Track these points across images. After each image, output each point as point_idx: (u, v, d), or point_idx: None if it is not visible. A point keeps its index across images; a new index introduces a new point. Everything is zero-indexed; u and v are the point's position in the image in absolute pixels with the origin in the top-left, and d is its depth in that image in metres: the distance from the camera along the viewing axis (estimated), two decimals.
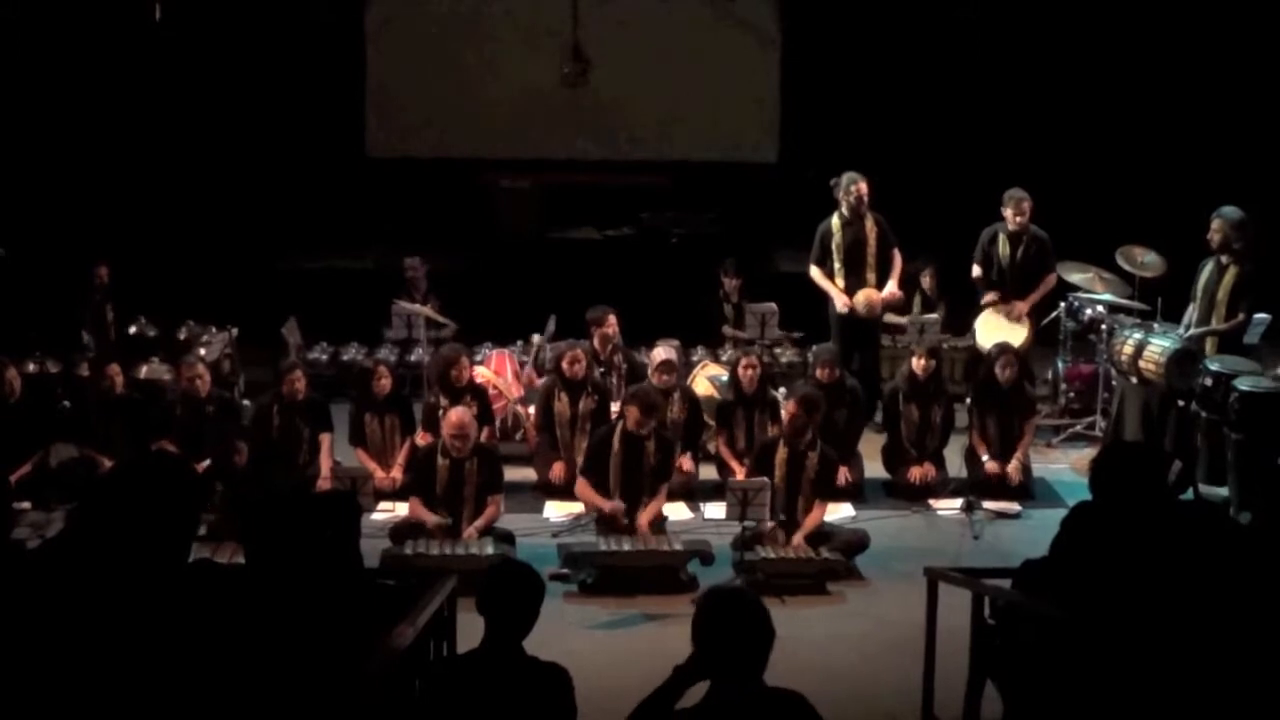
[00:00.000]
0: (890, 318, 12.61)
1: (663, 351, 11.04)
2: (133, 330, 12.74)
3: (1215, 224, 10.58)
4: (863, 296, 11.82)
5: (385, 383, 10.67)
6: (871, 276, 11.90)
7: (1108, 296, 11.94)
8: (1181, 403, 10.38)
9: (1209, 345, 10.52)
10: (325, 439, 10.51)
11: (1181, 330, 10.75)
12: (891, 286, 11.97)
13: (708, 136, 16.45)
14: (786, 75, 16.49)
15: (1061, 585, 5.48)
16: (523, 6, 16.18)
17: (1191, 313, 10.82)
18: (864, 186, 11.80)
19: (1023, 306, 11.88)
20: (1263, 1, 14.54)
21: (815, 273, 12.03)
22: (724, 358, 12.42)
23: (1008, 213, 11.87)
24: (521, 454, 11.12)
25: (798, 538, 9.24)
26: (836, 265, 11.90)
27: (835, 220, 11.92)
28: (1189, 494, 9.95)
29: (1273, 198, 12.76)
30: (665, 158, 16.36)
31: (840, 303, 11.84)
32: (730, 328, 13.42)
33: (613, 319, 11.44)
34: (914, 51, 15.47)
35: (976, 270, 12.09)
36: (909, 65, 15.52)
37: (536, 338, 12.27)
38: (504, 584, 5.02)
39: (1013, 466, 10.64)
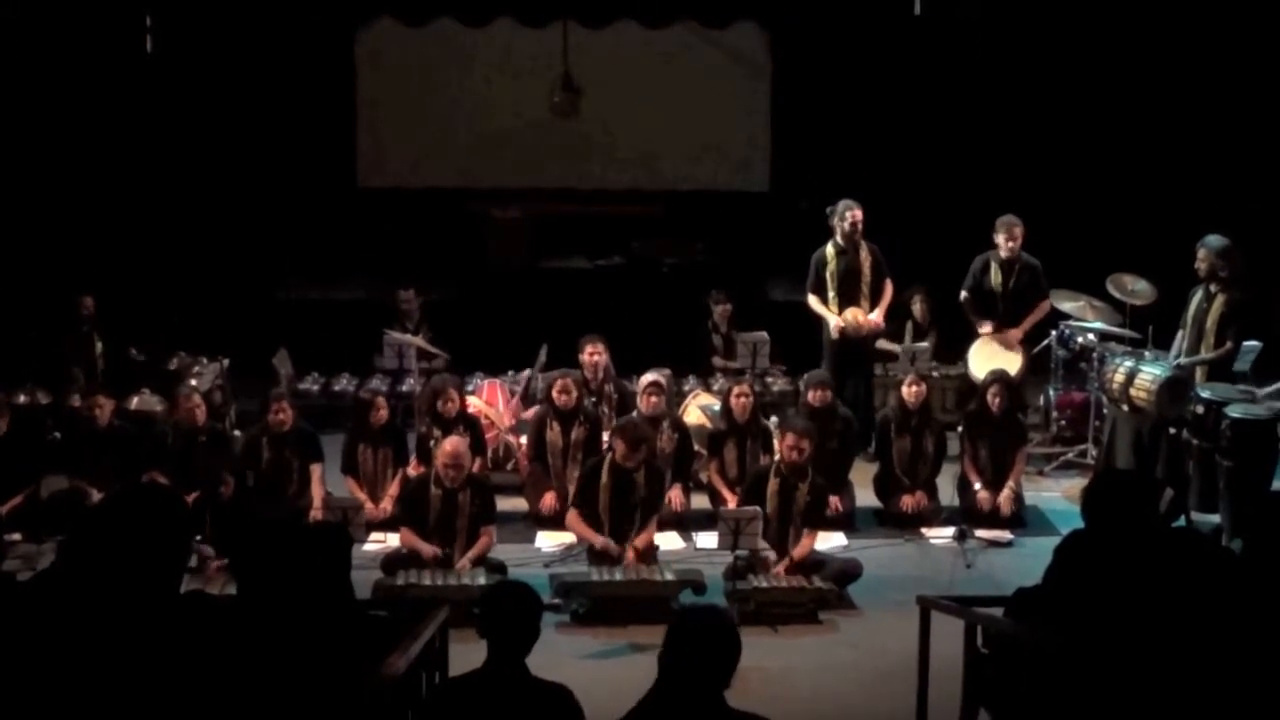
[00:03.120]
0: (883, 344, 12.63)
1: (651, 374, 11.03)
2: (124, 361, 12.72)
3: (1200, 253, 10.60)
4: (850, 315, 11.85)
5: (383, 414, 10.66)
6: (865, 306, 11.96)
7: (1099, 325, 11.97)
8: (1173, 430, 10.37)
9: (1199, 373, 10.54)
10: (316, 469, 10.49)
11: (1171, 358, 10.76)
12: (876, 315, 12.00)
13: (699, 165, 16.48)
14: (777, 103, 16.52)
15: (1055, 614, 5.47)
16: (513, 36, 16.21)
17: (1181, 341, 10.84)
18: (858, 214, 11.84)
19: (1016, 334, 11.90)
20: (1251, 31, 14.58)
21: (812, 300, 12.06)
22: (715, 387, 12.42)
23: (999, 239, 11.89)
24: (513, 484, 11.11)
25: (780, 567, 9.23)
26: (830, 294, 11.95)
27: (830, 249, 11.96)
28: (1181, 522, 9.94)
29: (1260, 225, 12.82)
30: (656, 187, 16.38)
31: (834, 323, 11.86)
32: (720, 358, 13.42)
33: (590, 347, 11.41)
34: (905, 80, 15.51)
35: (964, 295, 12.09)
36: (900, 94, 15.55)
37: (527, 372, 12.25)
38: (502, 602, 5.02)
39: (1004, 496, 10.62)
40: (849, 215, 11.85)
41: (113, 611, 3.94)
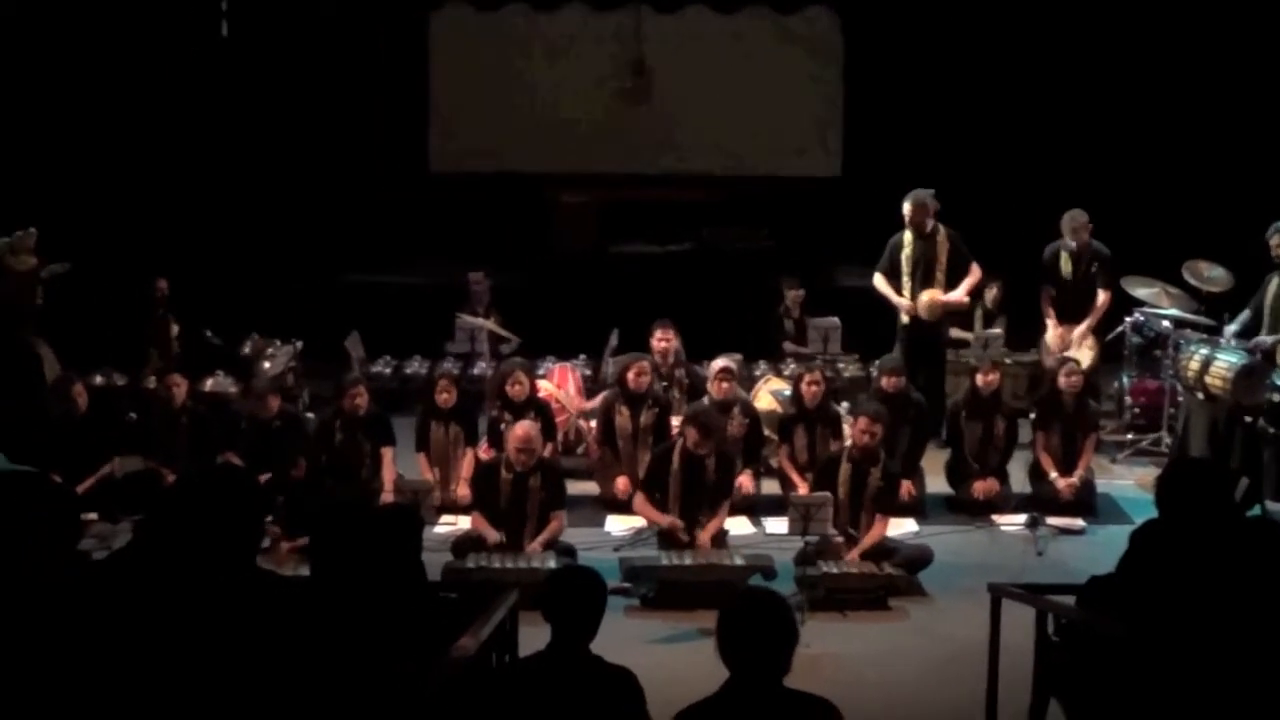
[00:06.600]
0: (955, 331, 12.57)
1: (722, 359, 11.02)
2: (199, 344, 12.85)
3: (1274, 240, 10.55)
4: (926, 297, 11.79)
5: (446, 396, 10.69)
6: (940, 292, 11.87)
7: (1174, 311, 11.85)
8: (1249, 419, 10.28)
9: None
10: (387, 453, 10.54)
11: (1227, 334, 10.76)
12: (959, 292, 11.93)
13: (770, 151, 16.44)
14: (850, 89, 16.48)
15: (1128, 602, 5.43)
16: (585, 22, 16.23)
17: (1243, 320, 10.81)
18: (918, 212, 11.77)
19: (1081, 331, 11.82)
20: None
21: (879, 280, 12.00)
22: (786, 372, 12.40)
23: (1065, 235, 11.87)
24: (583, 468, 11.13)
25: (854, 553, 9.19)
26: (905, 278, 11.88)
27: (908, 234, 11.90)
28: (1256, 511, 9.85)
29: None
30: (727, 172, 16.37)
31: (904, 308, 11.81)
32: (791, 343, 13.39)
33: (660, 332, 11.39)
34: (978, 66, 15.41)
35: (1046, 299, 12.05)
36: (973, 80, 15.45)
37: (608, 363, 12.24)
38: (567, 588, 5.05)
39: (1066, 481, 10.56)
40: (906, 209, 11.81)
41: (187, 590, 3.99)
